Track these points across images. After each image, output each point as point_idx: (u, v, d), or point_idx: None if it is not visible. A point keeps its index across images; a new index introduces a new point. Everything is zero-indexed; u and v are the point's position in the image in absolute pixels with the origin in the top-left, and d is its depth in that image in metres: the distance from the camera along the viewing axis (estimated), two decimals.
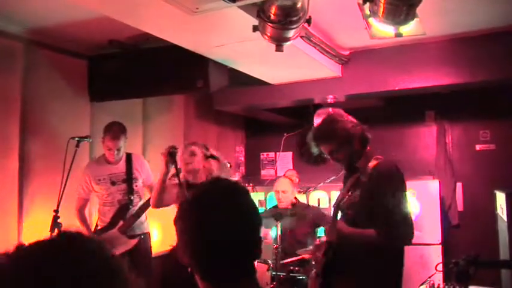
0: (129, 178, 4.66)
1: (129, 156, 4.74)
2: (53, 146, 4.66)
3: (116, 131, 4.57)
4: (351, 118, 3.23)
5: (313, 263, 3.36)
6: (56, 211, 4.13)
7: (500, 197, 2.67)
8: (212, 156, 3.97)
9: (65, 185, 4.18)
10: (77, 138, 4.34)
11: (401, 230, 2.94)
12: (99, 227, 4.64)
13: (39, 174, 4.63)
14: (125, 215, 4.53)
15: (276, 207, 5.45)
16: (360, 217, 3.01)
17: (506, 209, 2.30)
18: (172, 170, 3.89)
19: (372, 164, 3.03)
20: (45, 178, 4.62)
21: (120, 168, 4.67)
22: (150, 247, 4.82)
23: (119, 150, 4.59)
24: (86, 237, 1.10)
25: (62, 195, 4.17)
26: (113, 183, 4.60)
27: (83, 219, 4.64)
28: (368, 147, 3.19)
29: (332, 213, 3.27)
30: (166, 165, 3.81)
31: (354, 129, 3.14)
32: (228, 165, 4.23)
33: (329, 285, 3.09)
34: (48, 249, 1.04)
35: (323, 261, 3.09)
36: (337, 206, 3.14)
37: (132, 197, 4.61)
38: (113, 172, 4.63)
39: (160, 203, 4.11)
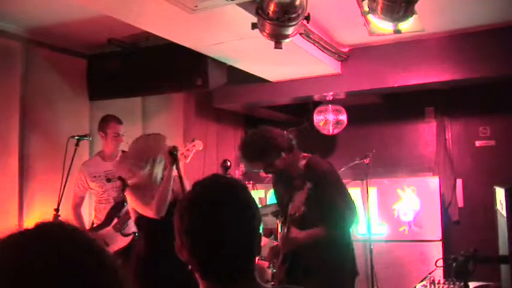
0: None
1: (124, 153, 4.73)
2: (52, 145, 4.67)
3: (114, 116, 4.65)
4: (276, 131, 3.28)
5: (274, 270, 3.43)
6: (57, 210, 4.13)
7: (500, 193, 2.68)
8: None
9: (65, 183, 4.19)
10: (76, 137, 4.34)
11: (344, 214, 3.10)
12: (94, 225, 4.62)
13: (39, 173, 4.64)
14: (119, 213, 4.49)
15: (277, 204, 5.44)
16: (307, 216, 3.08)
17: (506, 205, 2.30)
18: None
19: (302, 163, 3.17)
20: (46, 177, 4.62)
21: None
22: None
23: (123, 135, 4.61)
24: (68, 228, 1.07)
25: (62, 194, 4.18)
26: (109, 180, 4.57)
27: (78, 217, 4.61)
28: (295, 152, 3.27)
29: (283, 223, 3.33)
30: (170, 164, 3.65)
31: (282, 141, 3.22)
32: (200, 145, 4.09)
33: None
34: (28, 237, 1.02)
35: (283, 268, 3.17)
36: (290, 219, 3.19)
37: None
38: (109, 169, 4.60)
39: (165, 208, 3.70)
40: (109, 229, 4.46)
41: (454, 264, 2.40)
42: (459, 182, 6.66)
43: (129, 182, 3.75)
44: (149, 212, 3.57)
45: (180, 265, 1.53)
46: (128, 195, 3.70)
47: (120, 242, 4.46)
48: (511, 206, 2.30)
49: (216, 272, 1.47)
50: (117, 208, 4.53)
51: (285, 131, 3.40)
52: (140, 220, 3.73)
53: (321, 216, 3.07)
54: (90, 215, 4.91)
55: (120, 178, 3.85)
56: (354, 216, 3.15)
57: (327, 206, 3.05)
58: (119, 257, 4.42)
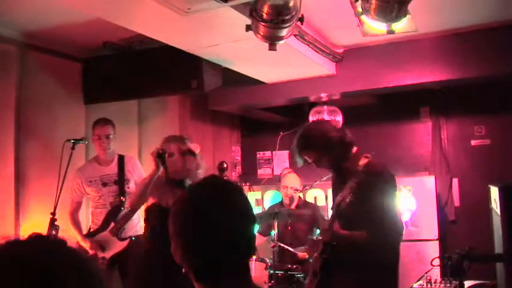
0: (120, 180, 4.61)
1: (121, 158, 4.71)
2: (48, 149, 4.67)
3: (103, 119, 4.62)
4: (331, 123, 3.27)
5: (311, 260, 3.40)
6: (53, 214, 4.12)
7: (494, 191, 2.69)
8: (188, 152, 3.80)
9: (62, 187, 4.18)
10: (72, 141, 4.33)
11: (391, 229, 3.01)
12: (91, 230, 4.60)
13: (35, 177, 4.64)
14: (116, 217, 4.46)
15: (281, 203, 5.45)
16: (354, 217, 3.05)
17: (500, 203, 2.31)
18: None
19: (362, 162, 3.08)
20: (42, 181, 4.62)
21: (111, 170, 4.64)
22: (141, 249, 4.72)
23: (107, 137, 4.56)
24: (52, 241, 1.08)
25: (58, 198, 4.17)
26: (104, 185, 4.56)
27: (76, 223, 4.58)
28: (354, 149, 3.22)
29: (331, 215, 3.32)
30: (156, 166, 3.64)
31: (334, 135, 3.18)
32: (197, 148, 4.06)
33: (326, 284, 3.13)
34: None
35: (320, 260, 3.13)
36: (336, 209, 3.16)
37: (123, 199, 4.57)
38: (105, 173, 4.60)
39: (139, 204, 3.92)
40: (106, 233, 4.44)
41: (449, 263, 2.41)
42: (455, 181, 6.67)
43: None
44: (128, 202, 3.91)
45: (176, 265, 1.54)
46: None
47: (116, 246, 4.45)
48: (505, 205, 2.31)
49: (209, 274, 1.47)
50: (114, 212, 4.51)
51: (281, 132, 3.38)
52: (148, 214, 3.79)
53: (365, 222, 3.00)
54: (88, 220, 4.90)
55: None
56: (398, 234, 3.05)
57: (373, 215, 2.97)
58: (115, 261, 4.44)
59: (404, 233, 3.10)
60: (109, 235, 4.43)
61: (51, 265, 0.98)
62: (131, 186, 4.66)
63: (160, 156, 3.61)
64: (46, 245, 1.04)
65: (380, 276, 3.03)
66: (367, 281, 2.99)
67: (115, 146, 4.70)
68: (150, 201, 3.73)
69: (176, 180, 3.62)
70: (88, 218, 4.84)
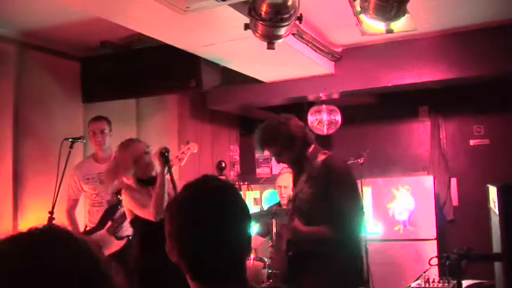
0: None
1: None
2: (46, 148, 4.66)
3: (97, 116, 4.63)
4: (294, 121, 3.28)
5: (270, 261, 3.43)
6: (51, 212, 4.12)
7: (493, 191, 2.70)
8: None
9: (60, 186, 4.18)
10: (70, 139, 4.32)
11: (352, 223, 3.05)
12: (88, 228, 4.57)
13: (33, 175, 4.63)
14: (113, 216, 4.43)
15: (278, 204, 5.44)
16: (314, 212, 3.08)
17: (498, 202, 2.32)
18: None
19: (320, 158, 3.12)
20: (40, 180, 4.61)
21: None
22: None
23: (102, 132, 4.55)
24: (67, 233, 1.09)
25: (56, 196, 4.16)
26: (102, 182, 4.51)
27: (72, 221, 4.57)
28: (313, 147, 3.24)
29: (287, 212, 3.33)
30: (162, 166, 3.67)
31: (296, 131, 3.20)
32: (195, 148, 4.11)
33: (296, 282, 3.15)
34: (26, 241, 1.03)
35: (286, 257, 3.16)
36: (293, 202, 3.19)
37: (120, 197, 4.56)
38: (102, 171, 4.53)
39: (162, 211, 3.73)
40: (103, 232, 4.41)
41: (447, 263, 2.41)
42: (454, 181, 6.68)
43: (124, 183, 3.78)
44: (146, 214, 3.64)
45: (174, 266, 1.54)
46: (125, 197, 3.72)
47: (114, 245, 4.42)
48: (503, 204, 2.31)
49: (205, 274, 1.47)
50: (111, 211, 4.48)
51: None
52: (135, 221, 3.75)
53: (328, 216, 3.03)
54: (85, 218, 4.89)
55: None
56: (360, 225, 3.11)
57: (335, 208, 3.01)
58: (112, 260, 4.41)
59: (364, 227, 3.26)
60: (106, 234, 4.41)
61: (66, 257, 0.99)
62: None
63: (163, 155, 3.63)
64: (59, 237, 1.06)
65: (344, 274, 3.07)
66: (333, 277, 3.02)
67: (113, 145, 4.69)
68: None
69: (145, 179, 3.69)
70: (85, 217, 4.83)
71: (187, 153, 4.06)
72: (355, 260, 3.19)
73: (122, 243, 4.46)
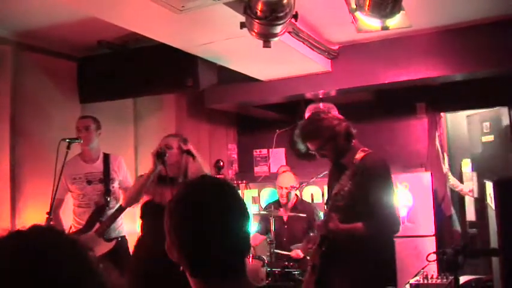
0: (106, 178, 4.55)
1: (106, 156, 4.65)
2: (44, 148, 4.65)
3: (84, 115, 4.64)
4: (336, 114, 3.31)
5: (308, 257, 3.41)
6: (49, 213, 4.11)
7: (489, 186, 2.70)
8: (188, 152, 3.79)
9: (57, 186, 4.17)
10: (67, 140, 4.31)
11: (388, 222, 3.06)
12: (73, 229, 4.51)
13: (31, 176, 4.62)
14: (101, 217, 4.41)
15: (277, 202, 5.45)
16: (350, 209, 3.06)
17: (494, 197, 2.32)
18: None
19: (359, 156, 3.12)
20: (37, 180, 4.61)
21: (97, 168, 4.58)
22: (128, 250, 4.57)
23: (87, 129, 4.51)
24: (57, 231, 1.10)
25: (54, 197, 4.15)
26: (89, 183, 4.50)
27: (57, 221, 4.47)
28: (353, 142, 3.26)
29: (326, 207, 3.33)
30: (154, 165, 3.65)
31: (339, 125, 3.22)
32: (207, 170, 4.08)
33: (325, 277, 3.14)
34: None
35: (319, 253, 3.15)
36: (333, 199, 3.17)
37: (108, 198, 4.50)
38: (90, 171, 4.55)
39: (135, 201, 3.87)
40: (91, 234, 4.35)
41: (444, 258, 2.42)
42: None
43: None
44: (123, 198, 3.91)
45: (168, 264, 1.55)
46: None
47: (103, 247, 4.37)
48: (499, 199, 2.32)
49: (204, 271, 1.48)
50: (99, 212, 4.45)
51: (277, 130, 3.39)
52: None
53: (363, 214, 3.04)
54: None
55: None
56: (395, 225, 3.10)
57: (371, 207, 3.02)
58: (101, 262, 4.38)
59: (401, 226, 3.14)
60: (95, 236, 4.36)
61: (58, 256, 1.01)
62: (116, 186, 4.62)
63: (159, 156, 3.61)
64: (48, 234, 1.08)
65: (378, 269, 3.07)
66: (365, 274, 3.02)
67: (111, 145, 4.70)
68: (145, 198, 3.74)
69: (170, 177, 3.61)
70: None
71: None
72: (388, 259, 3.19)
73: (111, 244, 4.43)
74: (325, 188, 4.20)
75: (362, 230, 3.02)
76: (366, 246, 3.04)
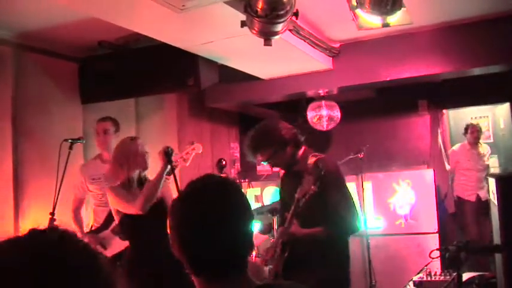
0: None
1: None
2: (46, 149, 4.65)
3: (104, 117, 4.62)
4: (283, 123, 3.30)
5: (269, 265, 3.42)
6: (52, 213, 4.12)
7: (492, 183, 2.70)
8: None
9: (60, 187, 4.18)
10: (70, 140, 4.32)
11: (347, 222, 3.09)
12: (93, 228, 4.58)
13: (33, 177, 4.63)
14: None
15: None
16: (309, 213, 3.07)
17: (497, 194, 2.32)
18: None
19: (311, 161, 3.13)
20: (40, 181, 4.61)
21: None
22: None
23: (106, 132, 4.53)
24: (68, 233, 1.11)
25: (57, 198, 4.16)
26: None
27: (78, 220, 4.57)
28: (303, 148, 3.26)
29: (286, 215, 3.33)
30: (163, 165, 3.66)
31: (286, 134, 3.21)
32: (199, 148, 4.17)
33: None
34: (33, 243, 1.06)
35: (281, 260, 3.17)
36: (295, 205, 3.19)
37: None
38: None
39: (150, 203, 3.73)
40: (107, 232, 4.44)
41: (447, 255, 2.42)
42: None
43: (109, 184, 3.78)
44: (132, 209, 3.58)
45: (167, 263, 1.55)
46: (109, 196, 3.68)
47: (118, 246, 4.43)
48: (502, 195, 2.31)
49: (206, 269, 1.48)
50: None
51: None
52: (124, 221, 3.73)
53: (323, 218, 3.06)
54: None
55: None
56: (355, 225, 3.14)
57: (330, 210, 3.04)
58: (116, 261, 4.43)
59: (360, 225, 3.21)
60: (111, 234, 4.42)
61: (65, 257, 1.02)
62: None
63: (167, 154, 3.64)
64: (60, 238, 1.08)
65: (339, 271, 3.13)
66: (328, 276, 3.04)
67: (113, 145, 4.68)
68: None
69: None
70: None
71: (192, 154, 4.12)
72: (347, 260, 3.22)
73: (126, 243, 4.47)
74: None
75: (322, 234, 3.05)
76: (326, 249, 3.08)
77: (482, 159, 6.73)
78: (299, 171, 3.15)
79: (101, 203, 4.59)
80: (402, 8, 3.43)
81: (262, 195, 6.67)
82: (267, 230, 5.38)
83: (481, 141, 6.85)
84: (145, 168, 3.76)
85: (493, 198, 2.66)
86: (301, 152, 3.25)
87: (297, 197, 3.06)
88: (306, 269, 3.09)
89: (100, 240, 4.39)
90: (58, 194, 4.16)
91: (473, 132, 6.73)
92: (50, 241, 1.06)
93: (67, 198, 4.53)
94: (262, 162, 3.40)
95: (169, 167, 3.71)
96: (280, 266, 3.17)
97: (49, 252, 1.02)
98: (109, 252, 4.40)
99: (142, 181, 3.75)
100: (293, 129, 3.28)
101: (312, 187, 2.99)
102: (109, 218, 4.49)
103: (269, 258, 3.33)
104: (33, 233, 1.08)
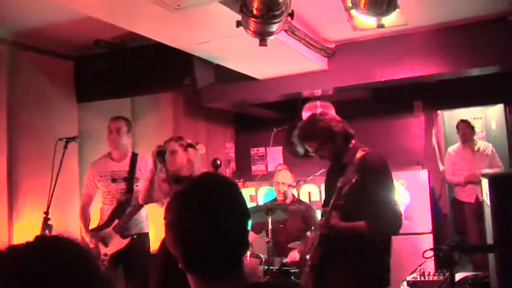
0: (130, 177, 4.64)
1: (134, 156, 4.75)
2: (41, 148, 4.65)
3: (118, 116, 4.74)
4: (333, 116, 3.35)
5: (307, 256, 3.42)
6: (46, 213, 4.12)
7: (485, 183, 2.72)
8: (190, 145, 4.04)
9: (55, 186, 4.18)
10: (65, 139, 4.32)
11: (390, 221, 3.07)
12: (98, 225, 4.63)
13: (28, 176, 4.62)
14: (121, 214, 4.50)
15: (274, 200, 5.45)
16: (352, 208, 3.07)
17: (489, 194, 2.34)
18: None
19: (359, 155, 3.12)
20: (35, 180, 4.60)
21: (123, 166, 4.68)
22: (148, 247, 4.75)
23: (118, 131, 4.61)
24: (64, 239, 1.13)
25: (51, 197, 4.16)
26: (114, 181, 4.61)
27: (84, 216, 4.65)
28: (353, 142, 3.28)
29: (325, 206, 3.34)
30: (154, 164, 3.86)
31: (336, 126, 3.25)
32: (203, 149, 4.26)
33: (324, 276, 3.15)
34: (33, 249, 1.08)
35: (319, 252, 3.16)
36: (336, 195, 3.18)
37: (130, 197, 4.60)
38: (116, 169, 4.65)
39: (149, 199, 4.17)
40: (109, 230, 4.48)
41: (440, 255, 2.43)
42: None
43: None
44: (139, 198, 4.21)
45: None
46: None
47: (119, 244, 4.47)
48: (494, 196, 2.33)
49: (201, 267, 1.48)
50: (120, 209, 4.55)
51: (274, 128, 3.42)
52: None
53: (365, 212, 3.06)
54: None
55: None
56: (397, 224, 3.11)
57: (373, 206, 3.03)
58: (116, 259, 4.46)
59: (402, 223, 3.16)
60: (112, 232, 4.46)
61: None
62: (140, 186, 4.68)
63: (160, 154, 3.68)
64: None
65: (379, 269, 3.11)
66: (366, 274, 3.03)
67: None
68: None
69: (183, 176, 3.75)
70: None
71: None
72: (386, 259, 3.21)
73: (126, 241, 4.50)
74: (323, 186, 4.24)
75: (364, 229, 3.03)
76: (367, 245, 3.05)
77: (478, 158, 6.55)
78: (345, 164, 3.16)
79: (105, 200, 4.68)
80: (397, 9, 3.45)
81: (257, 195, 6.69)
82: (258, 229, 5.39)
83: (475, 138, 6.73)
84: (179, 168, 4.04)
85: (486, 198, 2.68)
86: (350, 145, 3.27)
87: (339, 186, 3.06)
88: (344, 262, 3.09)
89: (101, 238, 4.43)
90: (52, 193, 4.16)
91: (462, 129, 6.65)
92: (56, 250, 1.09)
93: (62, 197, 4.54)
94: (310, 154, 3.40)
95: (160, 166, 3.77)
96: (316, 258, 3.17)
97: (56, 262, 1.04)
98: (110, 250, 4.44)
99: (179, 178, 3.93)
100: (342, 122, 3.32)
101: (354, 177, 2.99)
102: (112, 216, 4.54)
103: (306, 250, 3.33)
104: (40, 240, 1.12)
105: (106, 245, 4.44)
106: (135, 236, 4.58)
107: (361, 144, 3.29)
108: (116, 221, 4.50)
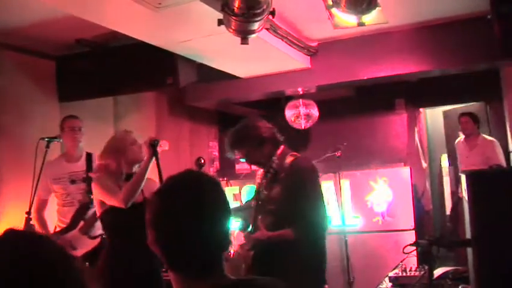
0: (89, 177, 4.43)
1: (89, 156, 4.60)
2: (22, 148, 4.62)
3: (71, 115, 4.56)
4: (263, 122, 3.35)
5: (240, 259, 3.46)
6: (28, 213, 4.09)
7: (463, 179, 2.77)
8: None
9: (36, 186, 4.15)
10: (46, 139, 4.28)
11: (317, 223, 3.13)
12: (58, 229, 4.47)
13: (9, 176, 4.58)
14: (85, 215, 4.37)
15: None
16: (281, 212, 3.12)
17: (467, 190, 2.38)
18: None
19: (289, 160, 3.18)
20: (16, 180, 4.56)
21: (80, 167, 4.53)
22: None
23: (80, 130, 4.51)
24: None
25: (33, 197, 4.13)
26: (73, 182, 4.46)
27: (41, 221, 4.45)
28: (282, 147, 3.30)
29: (251, 214, 3.36)
30: (149, 155, 3.55)
31: (265, 132, 3.27)
32: (166, 145, 4.08)
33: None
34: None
35: (251, 256, 3.21)
36: (264, 203, 3.23)
37: (92, 197, 4.52)
38: (73, 170, 4.50)
39: (132, 198, 3.60)
40: (75, 232, 4.33)
41: (418, 250, 2.47)
42: None
43: (94, 174, 3.74)
44: (115, 201, 3.45)
45: (146, 259, 1.56)
46: (95, 187, 3.59)
47: (87, 245, 4.36)
48: (472, 191, 2.37)
49: (183, 265, 1.48)
50: (83, 211, 4.41)
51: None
52: (105, 216, 3.66)
53: (295, 217, 3.08)
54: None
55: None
56: (323, 226, 3.18)
57: (298, 211, 3.07)
58: (86, 260, 4.38)
59: (328, 227, 3.24)
60: (79, 234, 4.35)
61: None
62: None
63: (153, 145, 3.57)
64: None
65: (308, 273, 3.12)
66: (294, 278, 3.06)
67: (91, 144, 4.66)
68: None
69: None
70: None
71: (159, 151, 4.04)
72: (317, 259, 3.23)
73: (95, 242, 4.42)
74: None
75: (290, 236, 3.07)
76: (294, 250, 3.09)
77: (474, 154, 6.20)
78: (276, 171, 3.19)
79: (65, 202, 4.50)
80: (377, 8, 3.47)
81: (240, 193, 6.69)
82: (246, 228, 5.40)
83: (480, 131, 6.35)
84: (140, 159, 3.62)
85: (465, 194, 2.72)
86: (279, 151, 3.27)
87: (266, 195, 3.11)
88: (276, 270, 3.10)
89: (69, 241, 4.29)
90: (34, 194, 4.13)
91: (462, 123, 6.30)
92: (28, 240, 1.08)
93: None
94: (240, 160, 3.44)
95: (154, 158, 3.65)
96: (249, 260, 3.20)
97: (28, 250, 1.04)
98: (79, 252, 4.34)
99: (129, 176, 3.61)
100: (272, 128, 3.32)
101: (279, 187, 3.05)
102: (76, 218, 4.41)
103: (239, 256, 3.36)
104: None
105: (74, 248, 4.34)
106: (103, 236, 4.51)
107: (289, 149, 3.33)
108: (81, 222, 4.37)
